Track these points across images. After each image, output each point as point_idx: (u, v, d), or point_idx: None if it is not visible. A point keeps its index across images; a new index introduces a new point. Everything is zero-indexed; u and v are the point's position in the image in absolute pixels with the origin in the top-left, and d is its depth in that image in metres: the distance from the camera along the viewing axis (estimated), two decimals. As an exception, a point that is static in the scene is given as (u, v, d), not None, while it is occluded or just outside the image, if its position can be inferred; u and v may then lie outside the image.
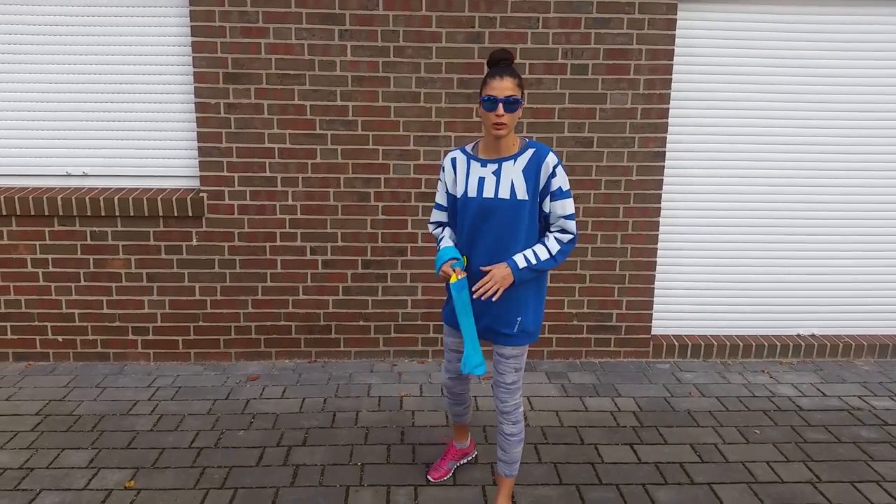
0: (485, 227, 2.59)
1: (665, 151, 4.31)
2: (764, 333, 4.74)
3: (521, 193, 2.55)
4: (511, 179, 2.56)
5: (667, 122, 4.26)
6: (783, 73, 4.37)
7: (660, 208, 4.38)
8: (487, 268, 2.57)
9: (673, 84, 4.31)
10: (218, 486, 3.09)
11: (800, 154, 4.50)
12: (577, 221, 4.32)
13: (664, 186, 4.44)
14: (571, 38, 4.12)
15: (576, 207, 4.33)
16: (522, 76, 4.14)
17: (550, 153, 2.56)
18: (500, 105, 2.45)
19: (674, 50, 4.17)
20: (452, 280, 2.57)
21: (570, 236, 2.60)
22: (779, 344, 4.61)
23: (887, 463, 3.40)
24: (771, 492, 3.14)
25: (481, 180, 2.59)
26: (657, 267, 4.52)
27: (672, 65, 4.19)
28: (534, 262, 2.56)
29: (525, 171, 2.56)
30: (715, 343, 4.57)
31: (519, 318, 2.64)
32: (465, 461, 3.26)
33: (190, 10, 3.99)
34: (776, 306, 4.72)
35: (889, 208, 4.62)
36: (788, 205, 4.57)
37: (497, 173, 2.58)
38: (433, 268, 4.38)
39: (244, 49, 4.05)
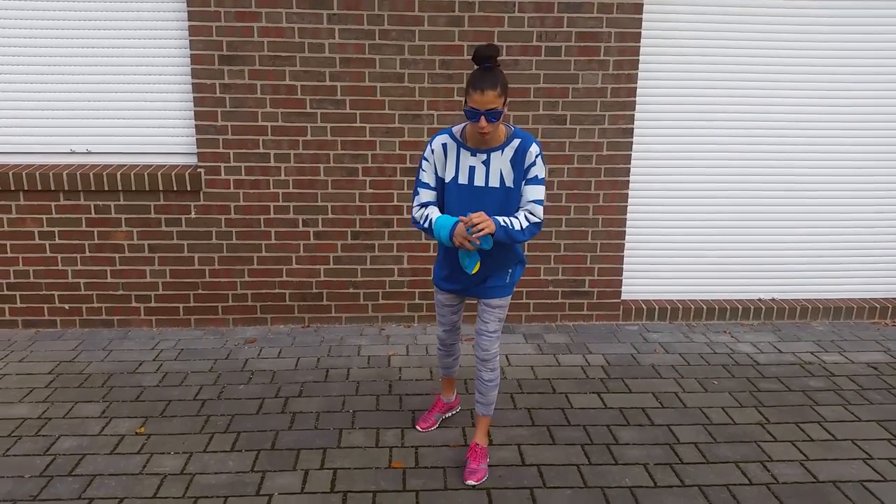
0: (475, 210, 2.80)
1: (633, 128, 4.61)
2: (727, 298, 5.08)
3: (510, 182, 2.82)
4: (500, 169, 2.81)
5: (635, 101, 4.57)
6: (744, 54, 4.68)
7: (628, 181, 4.69)
8: (475, 214, 2.63)
9: (640, 64, 4.61)
10: (222, 430, 3.40)
11: (760, 128, 4.82)
12: (552, 193, 4.63)
13: (632, 161, 4.76)
14: (545, 21, 4.41)
15: (550, 181, 4.63)
16: (501, 55, 4.42)
17: (534, 143, 2.78)
18: (483, 118, 2.62)
19: (641, 33, 4.47)
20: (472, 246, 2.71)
21: (537, 220, 2.80)
22: (740, 307, 4.95)
23: (830, 407, 3.75)
24: (723, 432, 3.48)
25: (472, 169, 2.83)
26: (626, 236, 4.85)
27: (639, 46, 4.49)
28: (509, 225, 2.73)
29: (512, 161, 2.80)
30: (680, 306, 4.91)
31: (510, 270, 2.98)
32: (451, 414, 3.56)
33: (187, -4, 4.25)
34: (739, 272, 5.06)
35: (844, 182, 4.95)
36: (750, 178, 4.89)
37: (486, 163, 2.81)
38: (418, 238, 4.67)
39: (238, 33, 4.31)
